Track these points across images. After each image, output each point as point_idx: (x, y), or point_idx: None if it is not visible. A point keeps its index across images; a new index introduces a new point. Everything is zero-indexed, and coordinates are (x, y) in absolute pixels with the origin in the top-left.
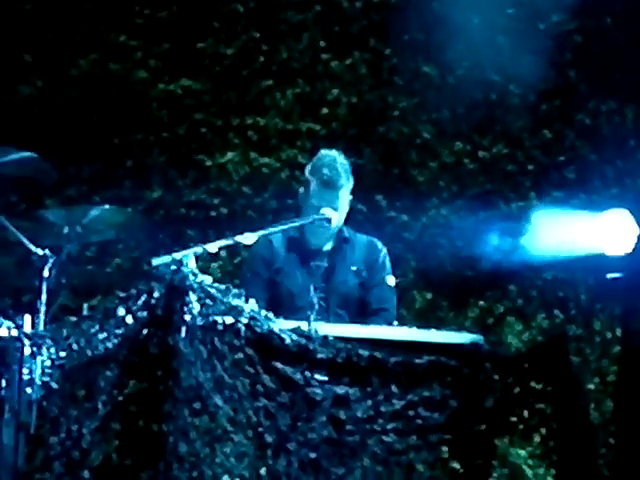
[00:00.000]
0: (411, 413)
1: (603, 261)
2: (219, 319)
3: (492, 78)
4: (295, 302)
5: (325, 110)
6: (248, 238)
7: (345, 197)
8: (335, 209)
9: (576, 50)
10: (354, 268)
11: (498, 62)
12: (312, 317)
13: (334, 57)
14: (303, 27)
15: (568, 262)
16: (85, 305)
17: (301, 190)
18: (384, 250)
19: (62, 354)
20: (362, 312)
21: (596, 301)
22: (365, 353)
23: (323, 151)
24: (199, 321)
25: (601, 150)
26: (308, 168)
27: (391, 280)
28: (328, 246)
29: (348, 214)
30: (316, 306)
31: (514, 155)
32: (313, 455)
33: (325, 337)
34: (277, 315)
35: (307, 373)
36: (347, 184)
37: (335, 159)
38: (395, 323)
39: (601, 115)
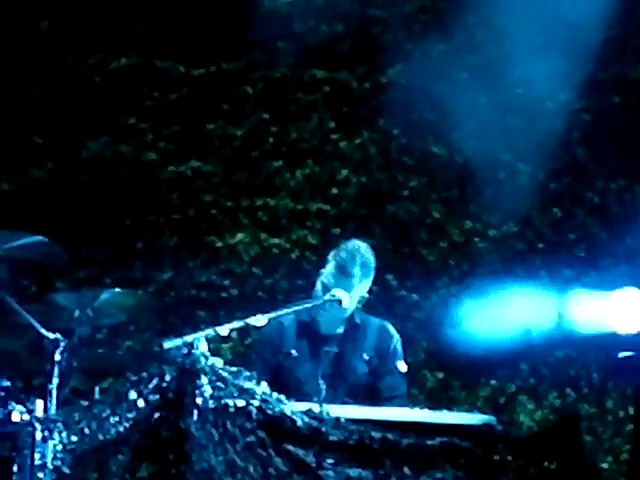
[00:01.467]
0: None
1: (615, 340)
2: (230, 402)
3: (501, 157)
4: (302, 389)
5: (335, 190)
6: (259, 320)
7: (358, 288)
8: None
9: (584, 129)
10: (365, 356)
11: (507, 141)
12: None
13: (343, 137)
14: (312, 108)
15: (579, 340)
16: (97, 388)
17: (322, 271)
18: (396, 336)
19: (74, 438)
20: (371, 399)
21: (608, 380)
22: (377, 435)
23: (353, 240)
24: (211, 404)
25: (611, 228)
26: (332, 251)
27: (402, 366)
28: (339, 330)
29: (363, 304)
30: (323, 393)
31: (524, 233)
32: None
33: (337, 419)
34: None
35: (319, 456)
36: (363, 277)
37: (358, 249)
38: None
39: (610, 193)
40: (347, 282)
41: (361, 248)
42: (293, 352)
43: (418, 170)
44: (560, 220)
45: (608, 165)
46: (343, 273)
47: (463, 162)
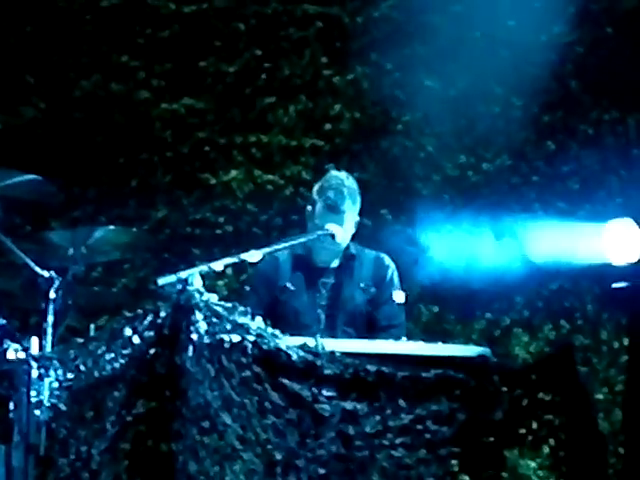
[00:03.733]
0: (420, 427)
1: (609, 271)
2: (226, 337)
3: (494, 90)
4: (300, 320)
5: (328, 126)
6: (253, 256)
7: (350, 219)
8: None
9: (577, 61)
10: (362, 285)
11: (500, 74)
12: (319, 334)
13: (336, 72)
14: (305, 43)
15: (574, 272)
16: (92, 326)
17: (308, 208)
18: (392, 266)
19: (70, 375)
20: (370, 329)
21: (602, 311)
22: (372, 368)
23: (332, 172)
24: (206, 340)
25: (605, 160)
26: (315, 188)
27: (399, 296)
28: (335, 263)
29: (356, 232)
30: (322, 323)
31: (518, 167)
32: (322, 471)
33: (332, 353)
34: (283, 333)
35: (315, 389)
36: (352, 207)
37: (342, 182)
38: (404, 339)
39: (604, 125)
40: (339, 218)
41: (344, 181)
42: (289, 285)
43: (411, 104)
44: (554, 153)
45: (601, 97)
46: (334, 211)
47: (457, 96)
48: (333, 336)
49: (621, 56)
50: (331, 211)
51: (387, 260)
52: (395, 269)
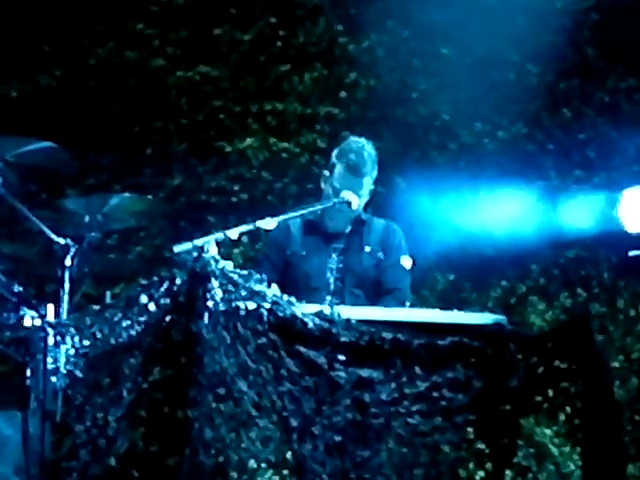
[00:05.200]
0: (435, 394)
1: (625, 238)
2: (241, 304)
3: (510, 58)
4: (310, 283)
5: (343, 94)
6: (269, 223)
7: (367, 185)
8: (356, 194)
9: (594, 28)
10: (369, 249)
11: (516, 42)
12: (330, 298)
13: (351, 40)
14: (320, 11)
15: (590, 240)
16: (108, 293)
17: (325, 172)
18: (400, 233)
19: (86, 343)
20: (378, 292)
21: (619, 279)
22: (388, 336)
23: (353, 137)
24: (221, 307)
25: (621, 127)
26: (335, 152)
27: (406, 261)
28: (346, 229)
29: (370, 200)
30: (332, 286)
31: (534, 134)
32: (338, 438)
33: (348, 320)
34: (293, 296)
35: (330, 356)
36: (371, 173)
37: (363, 146)
38: (408, 303)
39: (620, 92)
40: (358, 182)
41: (365, 145)
42: (300, 250)
43: (427, 72)
44: (570, 120)
45: (618, 64)
46: (355, 174)
47: (472, 63)
48: (341, 299)
49: (637, 23)
50: (352, 173)
51: (395, 227)
52: (403, 236)
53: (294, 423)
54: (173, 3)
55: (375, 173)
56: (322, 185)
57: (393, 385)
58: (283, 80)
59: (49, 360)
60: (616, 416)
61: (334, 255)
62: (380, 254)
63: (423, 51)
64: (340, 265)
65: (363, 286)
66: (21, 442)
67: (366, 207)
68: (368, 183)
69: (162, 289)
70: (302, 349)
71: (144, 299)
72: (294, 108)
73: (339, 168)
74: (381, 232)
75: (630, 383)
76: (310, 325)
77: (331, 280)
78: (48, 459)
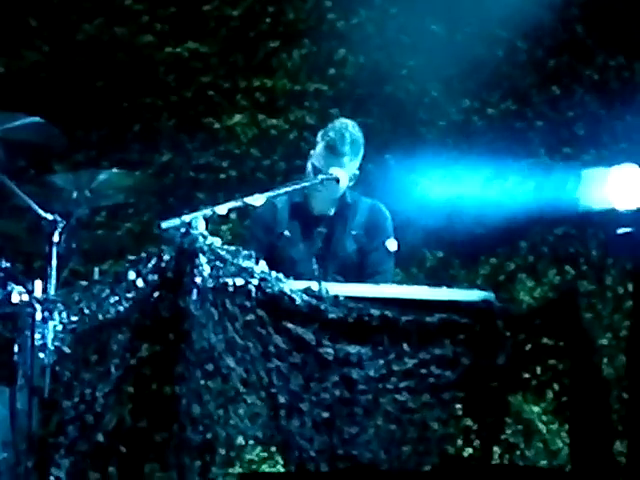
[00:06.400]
0: (423, 371)
1: (614, 216)
2: (229, 281)
3: (499, 34)
4: (296, 269)
5: (332, 70)
6: (257, 199)
7: (349, 166)
8: None
9: (583, 5)
10: (354, 233)
11: (505, 18)
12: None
13: (340, 17)
14: None
15: (578, 218)
16: (96, 269)
17: (311, 152)
18: (386, 214)
19: (74, 318)
20: (360, 276)
21: (607, 256)
22: (376, 312)
23: (341, 118)
24: (210, 283)
25: (610, 105)
26: (320, 132)
27: (391, 244)
28: (331, 212)
29: (355, 184)
30: (316, 272)
31: (523, 112)
32: (326, 415)
33: (336, 297)
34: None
35: (318, 333)
36: (352, 154)
37: (346, 127)
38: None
39: (610, 70)
40: (338, 161)
41: (349, 126)
42: (286, 233)
43: (416, 49)
44: (559, 97)
45: (607, 42)
46: (333, 152)
47: (461, 40)
48: None
49: (627, 0)
50: (330, 152)
51: (382, 208)
52: (389, 218)
53: (282, 400)
54: None
55: (359, 156)
56: (307, 165)
57: (381, 362)
58: (272, 56)
59: (37, 336)
60: (604, 393)
61: (318, 239)
62: (364, 238)
63: (412, 28)
64: (323, 250)
65: (345, 272)
66: (9, 418)
67: (353, 188)
68: (350, 165)
69: (150, 265)
70: (290, 325)
71: (132, 275)
72: (283, 84)
73: (320, 147)
74: (366, 214)
75: (618, 361)
76: (298, 302)
77: (315, 266)
78: (36, 435)
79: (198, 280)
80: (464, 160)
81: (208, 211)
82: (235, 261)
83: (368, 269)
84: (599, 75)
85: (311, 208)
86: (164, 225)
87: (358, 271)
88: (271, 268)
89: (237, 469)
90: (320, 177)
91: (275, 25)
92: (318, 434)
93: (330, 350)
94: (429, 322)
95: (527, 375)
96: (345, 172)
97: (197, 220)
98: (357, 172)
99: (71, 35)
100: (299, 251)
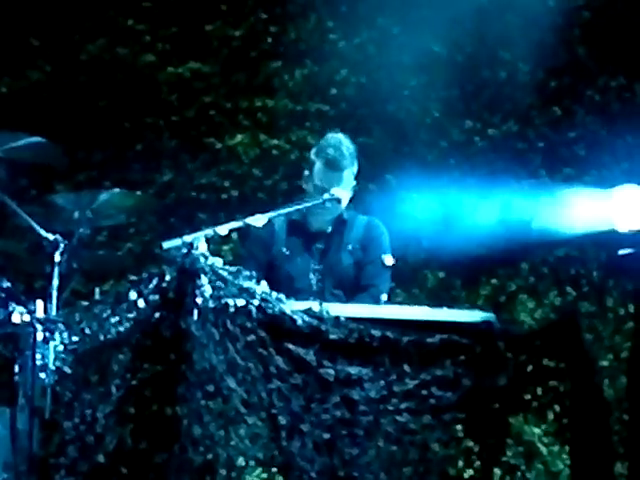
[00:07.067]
0: (424, 392)
1: (615, 237)
2: (231, 301)
3: (501, 55)
4: (294, 285)
5: (334, 90)
6: (258, 220)
7: (348, 180)
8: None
9: (585, 26)
10: (350, 247)
11: (507, 39)
12: (311, 299)
13: (342, 37)
14: (310, 7)
15: (580, 239)
16: (97, 289)
17: (306, 172)
18: (382, 230)
19: (75, 339)
20: (357, 291)
21: (608, 278)
22: (377, 333)
23: (330, 134)
24: (211, 304)
25: (611, 126)
26: (313, 150)
27: (387, 259)
28: (328, 229)
29: (353, 197)
30: (314, 287)
31: (524, 132)
32: (327, 436)
33: (337, 318)
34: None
35: (319, 354)
36: (351, 167)
37: (341, 141)
38: (383, 298)
39: (610, 91)
40: (338, 176)
41: (342, 140)
42: (284, 250)
43: (418, 69)
44: (560, 118)
45: (608, 63)
46: (333, 168)
47: (463, 61)
48: (322, 299)
49: (628, 22)
50: (330, 167)
51: (378, 223)
52: (385, 233)
53: (283, 420)
54: None
55: (355, 168)
56: (304, 185)
57: (382, 383)
58: (274, 76)
59: (38, 356)
60: (605, 415)
61: (317, 255)
62: (360, 252)
63: (413, 48)
64: (321, 266)
65: (343, 286)
66: (9, 438)
67: (356, 201)
68: (348, 177)
69: (151, 285)
70: (291, 346)
71: (133, 295)
72: (285, 105)
73: (318, 165)
74: (362, 229)
75: (619, 382)
76: (299, 322)
77: (313, 281)
78: (36, 455)
79: (199, 301)
80: (466, 180)
81: (209, 231)
82: (236, 282)
83: (363, 281)
84: (600, 96)
85: (309, 225)
86: (165, 245)
87: (355, 285)
88: (269, 285)
89: None
90: (322, 198)
91: (277, 45)
92: (319, 455)
93: (331, 371)
94: (430, 343)
95: (528, 396)
96: (346, 191)
97: (198, 240)
98: (355, 183)
99: (73, 55)
100: (297, 267)
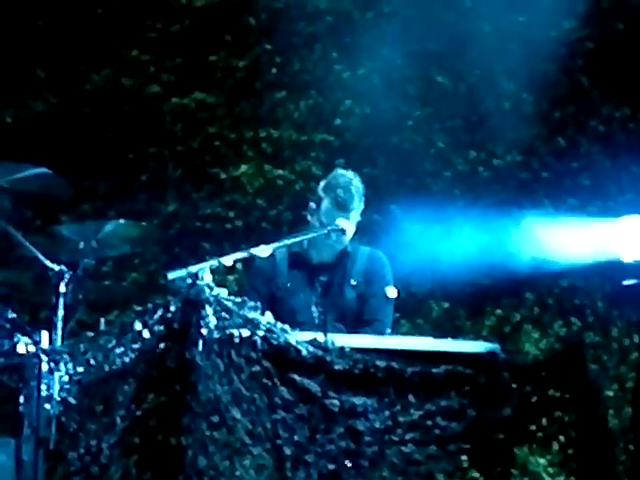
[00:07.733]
0: (429, 423)
1: (619, 268)
2: (235, 332)
3: (505, 86)
4: (296, 318)
5: (338, 121)
6: (263, 250)
7: (354, 219)
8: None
9: (588, 56)
10: (353, 282)
11: (510, 70)
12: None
13: (346, 68)
14: (315, 38)
15: (584, 269)
16: (102, 320)
17: (312, 205)
18: (385, 262)
19: (80, 369)
20: (360, 324)
21: (613, 308)
22: (382, 364)
23: (340, 170)
24: (215, 334)
25: (615, 156)
26: (322, 185)
27: (390, 292)
28: (331, 260)
29: (356, 230)
30: (316, 320)
31: (528, 163)
32: (332, 467)
33: (342, 348)
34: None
35: (324, 385)
36: (358, 208)
37: (351, 181)
38: (388, 332)
39: (615, 121)
40: (345, 217)
41: (352, 180)
42: (286, 283)
43: (422, 100)
44: (564, 149)
45: (612, 93)
46: (342, 209)
47: (467, 91)
48: (324, 332)
49: (632, 52)
50: (340, 209)
51: (380, 256)
52: (388, 265)
53: (288, 451)
54: (169, 29)
55: (362, 206)
56: (309, 217)
57: (387, 413)
58: (278, 107)
59: (43, 387)
60: (610, 445)
61: (319, 288)
62: (363, 286)
63: (418, 79)
64: (323, 299)
65: (344, 320)
66: (14, 469)
67: (361, 232)
68: (354, 217)
69: (156, 316)
70: (296, 377)
71: (138, 326)
72: (289, 135)
73: (326, 203)
74: (365, 261)
75: (624, 412)
76: (304, 353)
77: (315, 315)
78: None
79: (204, 331)
80: (470, 211)
81: (214, 262)
82: (241, 312)
83: (367, 316)
84: (604, 126)
85: (310, 257)
86: (170, 276)
87: (357, 318)
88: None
89: None
90: (327, 229)
91: (281, 76)
92: None
93: (336, 401)
94: (435, 373)
95: (533, 427)
96: (351, 223)
97: (203, 271)
98: (360, 218)
99: (78, 86)
100: (299, 300)
